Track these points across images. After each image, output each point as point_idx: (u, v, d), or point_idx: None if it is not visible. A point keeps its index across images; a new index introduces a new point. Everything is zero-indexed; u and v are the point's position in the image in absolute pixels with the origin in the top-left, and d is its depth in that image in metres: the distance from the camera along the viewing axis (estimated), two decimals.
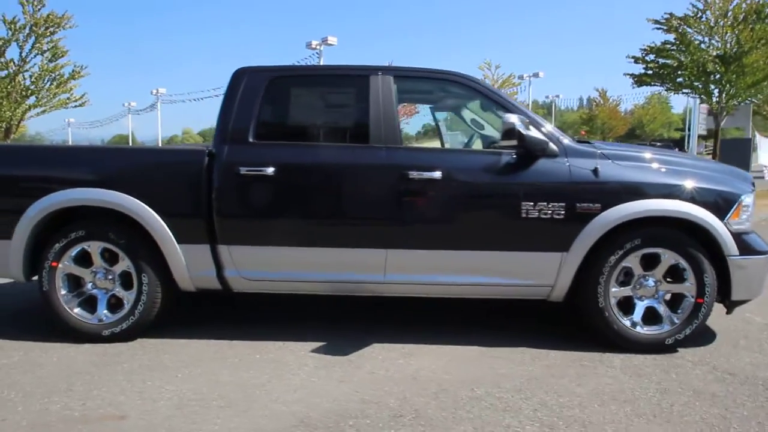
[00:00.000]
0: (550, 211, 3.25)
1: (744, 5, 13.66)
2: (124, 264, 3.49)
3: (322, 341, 3.46)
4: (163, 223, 3.37)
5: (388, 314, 4.11)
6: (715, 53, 13.83)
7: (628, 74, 15.62)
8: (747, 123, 17.28)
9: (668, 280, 3.38)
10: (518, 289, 3.41)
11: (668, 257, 3.32)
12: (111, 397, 2.72)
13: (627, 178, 3.29)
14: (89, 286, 3.55)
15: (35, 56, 11.00)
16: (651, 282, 3.37)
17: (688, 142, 27.69)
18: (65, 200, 3.38)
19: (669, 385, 2.88)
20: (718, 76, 14.00)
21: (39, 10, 10.62)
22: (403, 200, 3.33)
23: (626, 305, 3.39)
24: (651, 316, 3.38)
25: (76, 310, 3.51)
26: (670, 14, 14.33)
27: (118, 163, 3.55)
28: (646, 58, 15.12)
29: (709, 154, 21.50)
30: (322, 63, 27.54)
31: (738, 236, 3.29)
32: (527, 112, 3.42)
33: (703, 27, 14.07)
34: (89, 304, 3.55)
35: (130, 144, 51.53)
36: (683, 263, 3.31)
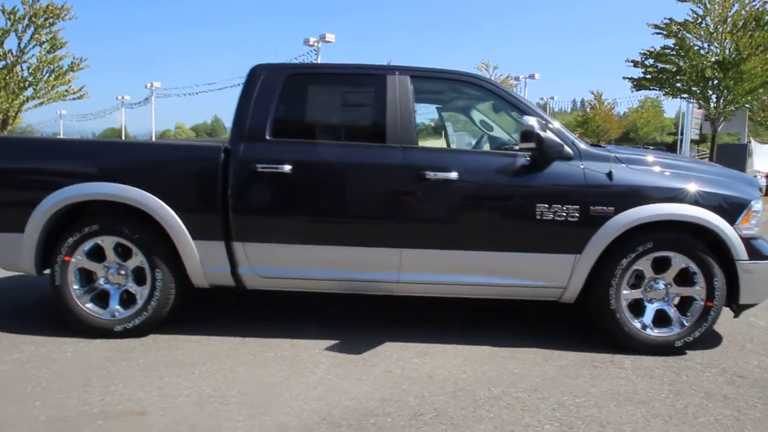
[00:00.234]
0: (564, 214, 3.29)
1: (743, 12, 13.86)
2: (138, 259, 3.48)
3: (335, 339, 3.47)
4: (178, 219, 3.37)
5: (399, 313, 4.13)
6: (713, 59, 14.02)
7: (627, 78, 15.80)
8: (742, 129, 17.51)
9: (678, 283, 3.43)
10: (531, 290, 3.44)
11: (679, 261, 3.36)
12: (129, 392, 2.72)
13: (640, 182, 3.33)
14: (101, 281, 3.53)
15: (33, 47, 10.91)
16: (661, 285, 3.41)
17: (681, 147, 27.95)
18: (80, 194, 3.36)
19: (681, 387, 2.93)
20: (716, 81, 14.20)
21: (38, 0, 10.53)
22: (418, 200, 3.35)
23: (636, 308, 3.44)
24: (661, 319, 3.43)
25: (89, 305, 3.50)
26: (670, 19, 14.50)
27: (133, 158, 3.54)
28: (646, 62, 15.30)
29: (703, 159, 21.74)
30: (319, 60, 27.50)
31: (747, 241, 3.34)
32: (543, 114, 3.45)
33: (702, 33, 14.25)
34: (101, 299, 3.54)
35: (123, 137, 51.12)
36: (693, 267, 3.36)
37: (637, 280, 3.43)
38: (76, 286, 3.49)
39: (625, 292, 3.38)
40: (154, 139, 45.45)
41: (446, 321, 3.98)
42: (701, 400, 2.78)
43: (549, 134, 3.24)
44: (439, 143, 5.19)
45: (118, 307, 3.50)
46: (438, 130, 5.43)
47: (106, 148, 3.71)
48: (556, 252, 3.34)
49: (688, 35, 14.36)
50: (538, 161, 3.33)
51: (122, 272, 3.51)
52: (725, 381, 3.02)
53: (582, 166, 3.34)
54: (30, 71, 10.98)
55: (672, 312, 3.41)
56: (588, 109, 41.05)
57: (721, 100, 14.22)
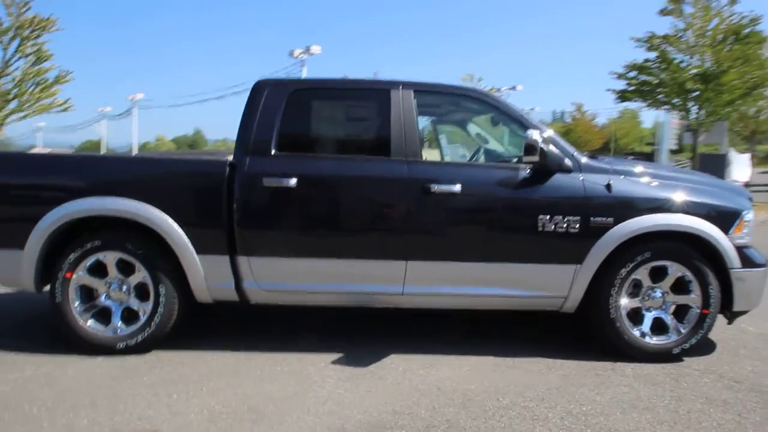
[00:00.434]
0: (565, 225, 3.36)
1: (722, 26, 14.36)
2: (140, 275, 3.45)
3: (340, 353, 3.49)
4: (182, 234, 3.36)
5: (401, 326, 4.16)
6: (694, 72, 14.47)
7: (611, 90, 16.24)
8: (721, 139, 18.03)
9: (674, 291, 3.52)
10: (533, 300, 3.51)
11: (675, 270, 3.46)
12: (138, 411, 2.69)
13: (638, 193, 3.43)
14: (103, 297, 3.50)
15: (19, 59, 10.76)
16: (658, 293, 3.50)
17: (659, 156, 28.56)
18: (83, 209, 3.34)
19: (682, 393, 3.00)
20: (696, 93, 14.64)
21: (24, 12, 10.40)
22: (423, 213, 3.39)
23: (635, 316, 3.52)
24: (658, 327, 3.52)
25: (90, 322, 3.46)
26: (652, 33, 14.98)
27: (138, 173, 3.53)
28: (628, 74, 15.73)
29: (682, 168, 22.20)
30: (305, 73, 27.57)
31: (740, 250, 3.45)
32: (544, 128, 3.54)
33: (683, 46, 14.71)
34: (102, 316, 3.50)
35: (103, 150, 50.37)
36: (689, 275, 3.45)
37: (635, 289, 3.51)
38: (77, 303, 3.45)
39: (624, 301, 3.46)
40: (135, 151, 44.90)
41: (448, 332, 4.01)
42: (702, 405, 2.86)
43: (551, 147, 3.32)
44: (433, 155, 5.27)
45: (120, 323, 3.47)
46: (432, 142, 5.51)
47: (109, 163, 3.70)
48: (557, 262, 3.41)
49: (670, 48, 14.84)
50: (540, 174, 3.41)
51: (124, 288, 3.49)
52: (723, 386, 3.11)
53: (582, 178, 3.43)
54: (15, 83, 10.80)
55: (669, 320, 3.50)
56: (571, 120, 41.83)
57: (702, 112, 14.68)
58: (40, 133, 56.40)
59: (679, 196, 3.45)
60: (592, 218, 3.37)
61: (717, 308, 3.46)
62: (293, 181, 3.36)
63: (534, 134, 3.22)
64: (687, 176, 3.78)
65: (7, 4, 10.19)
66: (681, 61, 14.90)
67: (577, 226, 3.37)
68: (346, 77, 3.86)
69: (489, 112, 3.80)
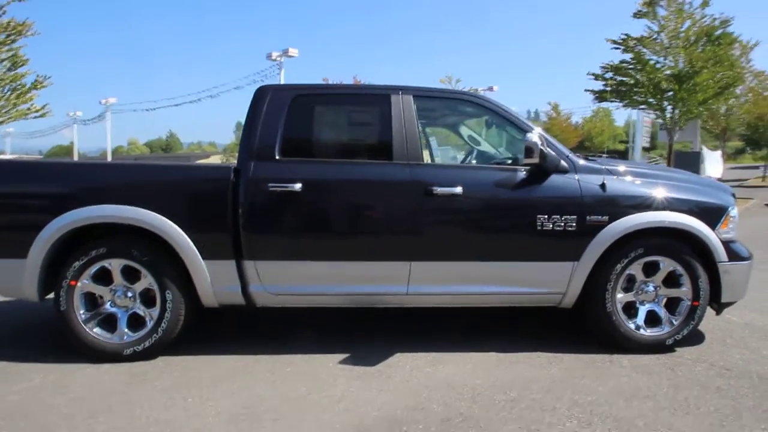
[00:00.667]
0: (562, 224, 3.49)
1: (694, 28, 14.85)
2: (146, 281, 3.47)
3: (346, 353, 3.55)
4: (188, 240, 3.39)
5: (403, 325, 4.24)
6: (668, 72, 14.94)
7: (589, 90, 16.65)
8: (695, 137, 18.70)
9: (666, 285, 3.68)
10: (533, 297, 3.63)
11: (667, 264, 3.62)
12: (155, 415, 2.72)
13: (631, 192, 3.58)
14: (108, 304, 3.50)
15: None
16: (651, 287, 3.66)
17: (632, 154, 29.29)
18: (89, 217, 3.34)
19: (678, 381, 3.15)
20: (671, 93, 15.12)
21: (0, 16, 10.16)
22: (426, 214, 3.48)
23: (629, 309, 3.67)
24: (652, 319, 3.68)
25: (96, 329, 3.46)
26: (627, 35, 15.41)
27: (142, 180, 3.53)
28: (605, 75, 16.16)
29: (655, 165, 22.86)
30: (282, 75, 27.50)
31: (726, 244, 3.63)
32: (539, 130, 3.66)
33: (657, 48, 15.18)
34: (107, 323, 3.50)
35: (76, 156, 49.27)
36: (680, 269, 3.62)
37: (629, 284, 3.66)
38: (82, 311, 3.44)
39: (619, 295, 3.60)
40: (109, 156, 44.07)
41: (449, 331, 4.11)
42: (698, 392, 3.01)
43: (549, 149, 3.45)
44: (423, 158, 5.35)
45: (126, 330, 3.47)
46: (422, 145, 5.59)
47: (113, 170, 3.69)
48: (556, 260, 3.53)
49: (644, 50, 15.30)
50: (537, 175, 3.53)
51: (129, 294, 3.49)
52: (716, 374, 3.27)
53: (577, 179, 3.56)
54: None
55: (662, 312, 3.66)
56: (546, 119, 42.56)
57: (677, 111, 15.19)
58: (8, 139, 54.88)
59: (669, 194, 3.61)
60: (588, 217, 3.51)
61: (706, 300, 3.63)
62: (298, 186, 3.41)
63: (534, 137, 3.35)
64: (675, 175, 3.96)
65: None
66: (656, 63, 15.37)
67: (574, 224, 3.50)
68: (327, 81, 3.94)
69: (487, 116, 3.91)
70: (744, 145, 47.86)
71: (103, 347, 3.43)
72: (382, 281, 3.52)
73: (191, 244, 3.39)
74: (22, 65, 10.86)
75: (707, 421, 2.67)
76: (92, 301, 3.51)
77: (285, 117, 3.55)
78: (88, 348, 3.43)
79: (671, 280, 3.66)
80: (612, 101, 16.86)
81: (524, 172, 3.55)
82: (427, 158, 4.97)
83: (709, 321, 4.12)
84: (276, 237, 3.49)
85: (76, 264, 3.40)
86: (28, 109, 11.12)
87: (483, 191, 3.53)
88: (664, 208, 3.56)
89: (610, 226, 3.50)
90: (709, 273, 3.63)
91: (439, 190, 3.45)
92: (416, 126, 3.59)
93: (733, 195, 3.97)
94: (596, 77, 16.28)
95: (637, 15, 15.36)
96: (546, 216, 3.49)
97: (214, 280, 3.45)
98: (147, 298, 3.52)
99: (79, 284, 3.42)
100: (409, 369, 3.32)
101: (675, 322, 3.64)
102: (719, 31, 14.65)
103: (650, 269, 3.65)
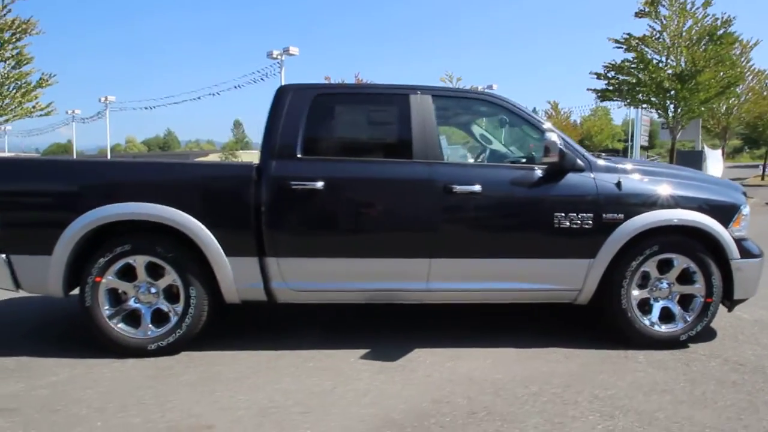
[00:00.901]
0: (579, 221, 3.56)
1: (696, 27, 14.94)
2: (170, 278, 3.52)
3: (366, 348, 3.61)
4: (212, 237, 3.44)
5: (418, 321, 4.30)
6: (670, 71, 15.02)
7: (591, 89, 16.75)
8: (696, 136, 18.81)
9: (679, 282, 3.75)
10: (549, 293, 3.69)
11: (681, 262, 3.69)
12: (187, 408, 2.77)
13: (646, 190, 3.64)
14: (132, 300, 3.55)
15: None
16: (665, 284, 3.73)
17: (631, 153, 29.41)
18: (115, 214, 3.39)
19: (694, 376, 3.22)
20: (673, 92, 15.22)
21: (4, 15, 10.14)
22: (445, 212, 3.54)
23: (643, 306, 3.74)
24: (665, 316, 3.74)
25: (120, 325, 3.51)
26: (629, 34, 15.50)
27: (167, 178, 3.58)
28: (608, 74, 16.24)
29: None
30: (283, 73, 27.51)
31: (738, 242, 3.70)
32: (555, 130, 3.72)
33: (660, 47, 15.27)
34: (131, 318, 3.55)
35: (75, 154, 49.16)
36: (693, 267, 3.68)
37: (644, 281, 3.73)
38: (106, 307, 3.50)
39: (634, 292, 3.67)
40: (108, 154, 43.98)
41: (464, 327, 4.17)
42: (715, 386, 3.08)
43: (566, 149, 3.51)
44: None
45: (151, 325, 3.52)
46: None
47: (137, 168, 3.74)
48: (572, 257, 3.60)
49: (647, 49, 15.38)
50: (554, 173, 3.59)
51: (153, 291, 3.54)
52: (730, 369, 3.34)
53: (593, 177, 3.63)
54: None
55: (676, 309, 3.73)
56: (545, 117, 42.71)
57: (679, 110, 15.29)
58: (5, 137, 54.71)
59: (683, 193, 3.67)
60: (604, 215, 3.57)
61: (719, 297, 3.70)
62: (320, 184, 3.47)
63: (553, 136, 3.41)
64: (688, 174, 4.02)
65: None
66: (658, 62, 15.46)
67: (591, 222, 3.56)
68: (329, 80, 3.99)
69: (504, 116, 3.96)
70: (742, 144, 48.07)
71: (128, 342, 3.49)
72: (403, 278, 3.57)
73: (215, 241, 3.44)
74: (27, 63, 10.87)
75: (725, 415, 2.73)
76: (116, 297, 3.57)
77: (306, 116, 3.60)
78: (113, 343, 3.48)
79: (685, 277, 3.73)
80: (615, 100, 16.95)
81: (541, 171, 3.61)
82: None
83: (719, 318, 4.18)
84: (298, 234, 3.54)
85: (101, 261, 3.45)
86: (33, 107, 11.13)
87: (501, 189, 3.59)
88: (678, 207, 3.62)
89: (625, 223, 3.57)
90: (721, 270, 3.70)
91: (458, 188, 3.51)
92: (435, 125, 3.65)
93: (744, 193, 4.03)
94: (599, 76, 16.38)
95: (639, 14, 15.45)
96: (563, 214, 3.55)
97: (236, 276, 3.50)
98: (170, 294, 3.57)
99: (103, 280, 3.47)
100: (430, 364, 3.38)
101: (689, 319, 3.71)
102: (721, 31, 14.74)
103: (664, 266, 3.71)
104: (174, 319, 3.52)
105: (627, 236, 3.57)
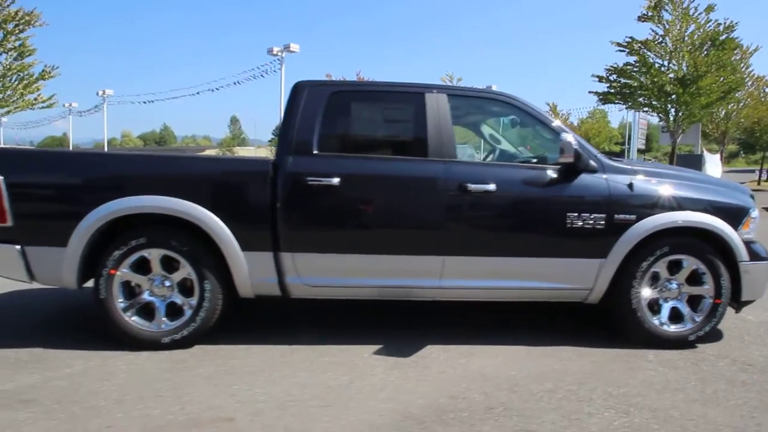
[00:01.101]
0: (591, 222, 3.59)
1: (698, 32, 15.06)
2: (185, 271, 3.53)
3: (378, 344, 3.64)
4: (228, 231, 3.45)
5: (430, 317, 4.33)
6: (672, 75, 15.14)
7: (593, 92, 16.85)
8: (696, 140, 18.99)
9: (688, 283, 3.79)
10: (561, 292, 3.72)
11: (690, 263, 3.73)
12: (206, 401, 2.79)
13: (657, 192, 3.68)
14: (146, 293, 3.56)
15: (0, 55, 10.43)
16: (674, 285, 3.77)
17: (628, 156, 29.57)
18: (130, 207, 3.39)
19: (704, 376, 3.26)
20: (675, 96, 15.34)
21: (8, 6, 10.08)
22: (460, 210, 3.57)
23: (652, 306, 3.78)
24: (674, 316, 3.79)
25: (134, 318, 3.52)
26: (631, 38, 15.60)
27: (184, 172, 3.59)
28: (610, 78, 16.35)
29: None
30: (283, 70, 27.48)
31: (747, 244, 3.75)
32: (569, 130, 3.75)
33: (662, 51, 15.38)
34: (145, 311, 3.56)
35: (71, 147, 48.88)
36: (702, 268, 3.73)
37: (653, 281, 3.77)
38: (120, 299, 3.50)
39: (644, 292, 3.71)
40: (105, 148, 43.78)
41: (475, 324, 4.20)
42: (725, 386, 3.12)
43: (581, 149, 3.54)
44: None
45: (165, 318, 3.53)
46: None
47: (153, 162, 3.75)
48: (584, 257, 3.63)
49: (649, 53, 15.49)
50: (568, 174, 3.62)
51: (167, 284, 3.55)
52: (738, 369, 3.39)
53: (606, 178, 3.66)
54: None
55: (685, 309, 3.77)
56: None
57: (680, 114, 15.42)
58: (1, 129, 54.33)
59: (693, 195, 3.72)
60: (615, 215, 3.61)
61: (728, 298, 3.75)
62: (336, 180, 3.48)
63: (568, 137, 3.44)
64: (698, 177, 4.07)
65: None
66: (660, 66, 15.57)
67: (603, 222, 3.60)
68: (330, 77, 4.02)
69: (518, 116, 3.99)
70: (738, 149, 48.43)
71: (142, 335, 3.49)
72: (416, 275, 3.60)
73: (230, 235, 3.45)
74: (29, 55, 10.81)
75: (738, 413, 2.78)
76: (130, 290, 3.58)
77: (322, 113, 3.61)
78: (127, 336, 3.49)
79: (693, 278, 3.77)
80: (616, 103, 17.06)
81: (555, 171, 3.64)
82: None
83: (724, 319, 4.24)
84: (313, 230, 3.56)
85: (116, 253, 3.45)
86: (35, 99, 11.08)
87: (516, 189, 3.62)
88: (689, 209, 3.67)
89: (637, 224, 3.60)
90: (729, 272, 3.74)
91: (473, 186, 3.53)
92: (450, 124, 3.67)
93: (752, 197, 4.08)
94: (600, 79, 16.49)
95: (642, 18, 15.54)
96: (576, 214, 3.58)
97: (251, 270, 3.52)
98: (183, 288, 3.58)
99: (118, 273, 3.48)
100: (443, 360, 3.41)
101: (697, 319, 3.75)
102: (723, 36, 14.86)
103: (674, 267, 3.76)
104: (188, 313, 3.53)
105: (638, 237, 3.60)
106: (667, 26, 15.19)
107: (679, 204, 3.67)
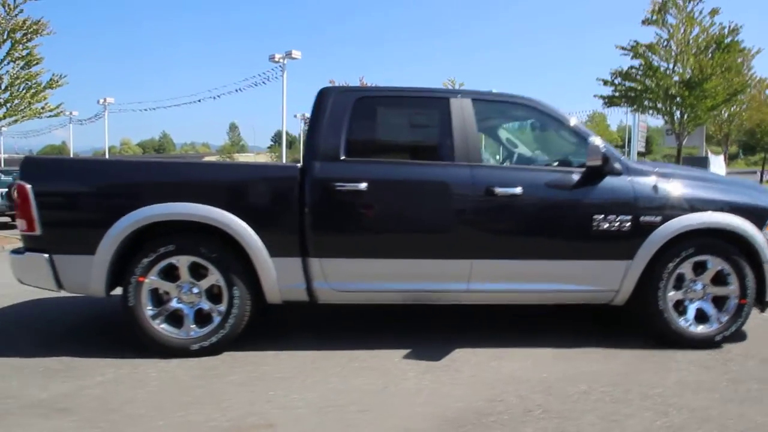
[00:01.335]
0: (617, 224, 3.61)
1: (703, 36, 15.18)
2: (213, 278, 3.53)
3: (406, 348, 3.64)
4: (256, 237, 3.46)
5: (454, 321, 4.33)
6: (676, 78, 15.25)
7: (598, 95, 16.95)
8: (700, 142, 19.12)
9: (713, 283, 3.80)
10: (587, 294, 3.74)
11: (715, 264, 3.74)
12: (244, 407, 2.79)
13: (682, 194, 3.70)
14: (174, 300, 3.56)
15: (8, 63, 10.43)
16: (699, 286, 3.78)
17: (629, 157, 29.56)
18: (159, 214, 3.40)
19: (735, 376, 3.27)
20: (680, 99, 15.44)
21: (16, 15, 10.11)
22: (487, 214, 3.59)
23: (677, 307, 3.79)
24: (700, 316, 3.80)
25: (163, 325, 3.52)
26: (636, 42, 15.73)
27: (212, 179, 3.60)
28: (615, 81, 16.45)
29: None
30: (285, 76, 27.54)
31: None
32: (593, 133, 3.78)
33: (667, 55, 15.49)
34: (173, 318, 3.56)
35: (71, 155, 48.84)
36: (727, 268, 3.74)
37: (678, 282, 3.78)
38: (149, 307, 3.50)
39: (670, 293, 3.72)
40: (107, 154, 43.76)
41: (498, 327, 4.21)
42: (758, 385, 3.13)
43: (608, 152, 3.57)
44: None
45: (193, 326, 3.53)
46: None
47: (181, 169, 3.76)
48: (610, 259, 3.64)
49: (654, 57, 15.60)
50: (593, 176, 3.64)
51: (195, 291, 3.56)
52: None
53: (630, 180, 3.68)
54: (5, 88, 10.49)
55: (711, 310, 3.78)
56: None
57: (685, 116, 15.52)
58: (1, 138, 54.26)
59: (717, 196, 3.74)
60: (641, 217, 3.63)
61: (753, 298, 3.76)
62: (363, 185, 3.50)
63: (597, 140, 3.47)
64: (720, 178, 4.10)
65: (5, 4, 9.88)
66: (666, 69, 15.68)
67: (628, 224, 3.61)
68: (333, 83, 4.04)
69: (541, 120, 4.02)
70: (738, 150, 48.65)
71: (171, 342, 3.49)
72: (444, 279, 3.61)
73: (259, 241, 3.46)
74: (36, 64, 10.83)
75: None
76: (157, 298, 3.58)
77: (348, 118, 3.63)
78: (156, 343, 3.49)
79: (718, 279, 3.79)
80: (621, 106, 17.16)
81: (580, 174, 3.66)
82: None
83: (749, 319, 4.25)
84: (341, 235, 3.57)
85: (145, 260, 3.46)
86: (43, 107, 11.10)
87: (542, 192, 3.64)
88: (713, 210, 3.68)
89: (663, 226, 3.62)
90: (754, 272, 3.75)
91: (500, 190, 3.55)
92: (476, 128, 3.69)
93: None
94: (605, 83, 16.58)
95: (646, 22, 15.66)
96: (602, 216, 3.60)
97: (279, 276, 3.52)
98: (210, 294, 3.59)
99: (147, 280, 3.48)
100: (474, 364, 3.41)
101: (723, 320, 3.76)
102: (728, 39, 14.97)
103: (698, 268, 3.77)
104: (217, 319, 3.53)
105: (665, 238, 3.62)
106: (671, 30, 15.33)
107: (704, 205, 3.69)
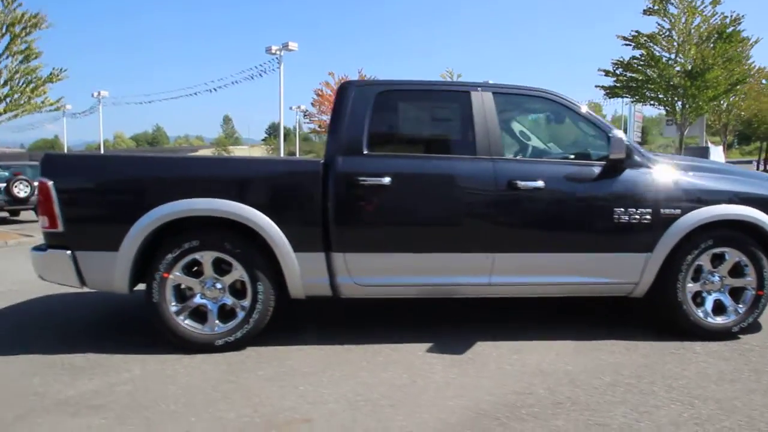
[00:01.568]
0: (638, 216, 3.63)
1: (704, 26, 15.18)
2: (237, 273, 3.54)
3: (428, 342, 3.67)
4: (280, 232, 3.46)
5: (474, 314, 4.36)
6: (678, 69, 15.26)
7: (599, 86, 16.94)
8: (701, 133, 19.22)
9: (730, 275, 3.84)
10: (608, 287, 3.77)
11: (733, 255, 3.78)
12: (276, 402, 2.81)
13: (701, 186, 3.73)
14: (198, 296, 3.56)
15: (6, 58, 10.31)
16: (717, 277, 3.82)
17: None
18: (184, 210, 3.39)
19: (756, 366, 3.32)
20: (682, 89, 15.48)
21: (14, 8, 9.97)
22: (509, 207, 3.60)
23: (695, 298, 3.83)
24: (717, 308, 3.84)
25: (187, 321, 3.53)
26: (637, 32, 15.71)
27: (236, 174, 3.59)
28: (616, 72, 16.46)
29: None
30: (282, 68, 27.37)
31: None
32: (614, 127, 3.79)
33: (668, 45, 15.50)
34: (197, 314, 3.57)
35: (65, 149, 48.49)
36: (745, 260, 3.79)
37: (696, 274, 3.82)
38: (173, 302, 3.51)
39: (689, 285, 3.76)
40: (102, 149, 43.46)
41: (519, 320, 4.24)
42: None
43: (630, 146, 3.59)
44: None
45: (218, 321, 3.54)
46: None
47: (205, 164, 3.74)
48: (630, 251, 3.67)
49: (655, 47, 15.60)
50: (614, 170, 3.66)
51: (218, 286, 3.56)
52: None
53: (650, 173, 3.71)
54: (6, 83, 10.37)
55: (728, 301, 3.83)
56: None
57: (687, 107, 15.57)
58: None
59: (735, 188, 3.77)
60: (661, 210, 3.65)
61: None
62: (386, 179, 3.50)
63: (619, 133, 3.48)
64: (737, 170, 4.12)
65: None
66: (668, 59, 15.69)
67: (648, 217, 3.64)
68: (332, 75, 4.02)
69: (561, 113, 4.02)
70: (733, 140, 48.87)
71: (195, 338, 3.50)
72: (467, 272, 3.63)
73: (283, 236, 3.47)
74: (35, 58, 10.71)
75: None
76: (180, 293, 3.58)
77: (370, 112, 3.63)
78: (180, 339, 3.50)
79: (736, 271, 3.83)
80: (623, 97, 17.18)
81: (601, 167, 3.67)
82: None
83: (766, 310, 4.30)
84: (364, 229, 3.57)
85: (169, 256, 3.46)
86: (43, 102, 10.99)
87: (564, 185, 3.65)
88: (732, 202, 3.72)
89: (682, 218, 3.65)
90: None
91: (522, 184, 3.56)
92: (497, 121, 3.70)
93: None
94: (606, 73, 16.59)
95: (648, 12, 15.63)
96: (623, 209, 3.62)
97: (303, 271, 3.53)
98: (234, 290, 3.60)
99: (171, 276, 3.48)
100: (497, 356, 3.44)
101: (740, 311, 3.81)
102: (730, 29, 14.98)
103: (716, 260, 3.81)
104: (241, 315, 3.54)
105: (684, 231, 3.65)
106: (673, 20, 15.32)
107: (722, 197, 3.72)
